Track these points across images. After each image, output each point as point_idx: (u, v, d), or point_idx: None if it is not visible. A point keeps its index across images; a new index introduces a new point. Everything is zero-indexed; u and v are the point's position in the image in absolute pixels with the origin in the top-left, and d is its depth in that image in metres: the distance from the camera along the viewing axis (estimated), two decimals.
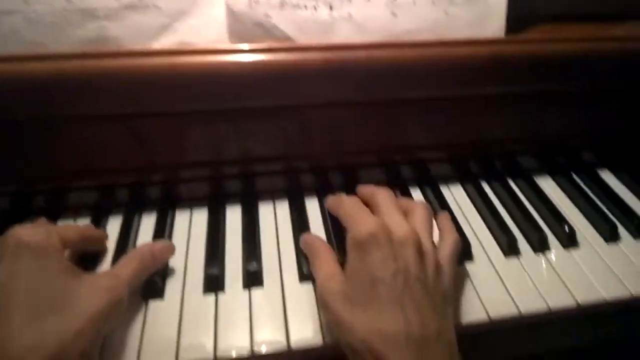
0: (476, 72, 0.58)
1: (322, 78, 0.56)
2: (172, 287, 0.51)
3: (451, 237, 0.49)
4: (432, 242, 0.46)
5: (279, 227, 0.59)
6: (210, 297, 0.49)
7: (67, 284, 0.39)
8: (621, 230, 0.59)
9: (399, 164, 0.66)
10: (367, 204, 0.50)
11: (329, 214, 0.57)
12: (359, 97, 0.59)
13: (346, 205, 0.49)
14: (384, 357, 0.37)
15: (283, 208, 0.62)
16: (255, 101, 0.56)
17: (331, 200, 0.54)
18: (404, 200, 0.52)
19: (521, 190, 0.66)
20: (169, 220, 0.59)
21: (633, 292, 0.51)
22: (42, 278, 0.39)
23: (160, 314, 0.48)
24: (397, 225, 0.44)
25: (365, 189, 0.53)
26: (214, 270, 0.51)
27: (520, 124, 0.64)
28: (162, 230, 0.57)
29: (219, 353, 0.44)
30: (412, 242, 0.43)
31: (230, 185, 0.63)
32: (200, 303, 0.49)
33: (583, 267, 0.54)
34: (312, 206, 0.62)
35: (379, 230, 0.42)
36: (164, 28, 0.55)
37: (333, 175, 0.65)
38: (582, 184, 0.67)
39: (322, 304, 0.44)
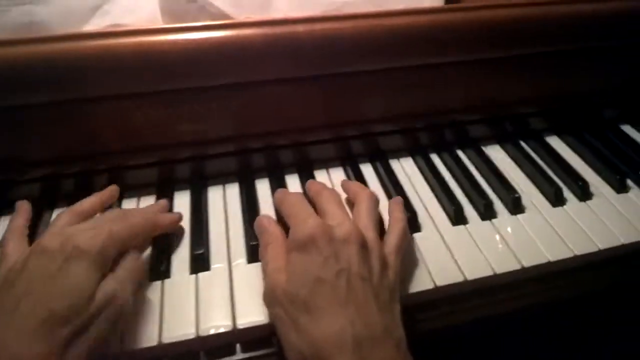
0: (417, 42, 0.58)
1: (263, 55, 0.55)
2: None
3: (398, 226, 0.48)
4: (377, 235, 0.46)
5: (228, 210, 0.58)
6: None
7: (88, 297, 0.39)
8: (567, 193, 0.60)
9: (349, 139, 0.65)
10: (312, 202, 0.50)
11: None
12: (302, 73, 0.58)
13: (289, 201, 0.49)
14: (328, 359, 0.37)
15: (233, 190, 0.61)
16: (194, 81, 0.55)
17: (277, 195, 0.53)
18: (351, 185, 0.52)
19: (470, 160, 0.66)
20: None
21: (577, 253, 0.52)
22: (74, 287, 0.39)
23: None
24: (340, 224, 0.43)
25: (311, 188, 0.53)
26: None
27: (465, 92, 0.65)
28: None
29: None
30: (355, 240, 0.42)
31: (179, 170, 0.62)
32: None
33: (529, 231, 0.55)
34: (263, 187, 0.62)
35: (320, 230, 0.42)
36: (95, 10, 0.53)
37: (284, 154, 0.64)
38: (529, 151, 0.67)
39: (268, 297, 0.43)
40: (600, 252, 0.53)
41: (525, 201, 0.59)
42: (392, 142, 0.67)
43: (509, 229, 0.55)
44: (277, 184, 0.61)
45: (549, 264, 0.51)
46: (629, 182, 0.62)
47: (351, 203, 0.53)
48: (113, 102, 0.55)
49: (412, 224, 0.55)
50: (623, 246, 0.54)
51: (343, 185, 0.58)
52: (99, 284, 0.40)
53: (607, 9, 0.64)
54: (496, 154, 0.68)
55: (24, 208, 0.53)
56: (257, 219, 0.51)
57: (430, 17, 0.57)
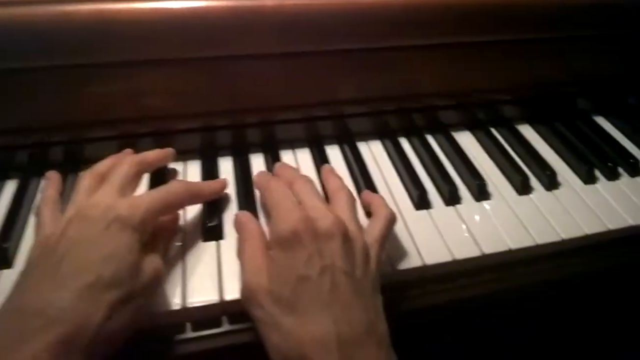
0: (388, 23, 0.57)
1: (231, 29, 0.54)
2: None
3: (383, 214, 0.47)
4: (359, 225, 0.44)
5: None
6: None
7: (132, 264, 0.39)
8: (534, 182, 0.60)
9: (317, 120, 0.64)
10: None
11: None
12: (269, 49, 0.56)
13: (273, 190, 0.47)
14: None
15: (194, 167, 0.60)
16: (157, 53, 0.53)
17: (259, 179, 0.52)
18: (330, 179, 0.51)
19: (439, 145, 0.65)
20: None
21: (538, 242, 0.52)
22: (119, 254, 0.39)
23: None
24: (322, 216, 0.42)
25: (284, 173, 0.51)
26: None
27: (436, 77, 0.63)
28: None
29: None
30: (339, 233, 0.41)
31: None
32: None
33: (492, 218, 0.54)
34: (226, 165, 0.60)
35: (303, 226, 0.41)
36: None
37: (252, 132, 0.63)
38: (500, 138, 0.67)
39: (248, 299, 0.41)
40: (563, 242, 0.52)
41: (491, 188, 0.58)
42: (360, 125, 0.65)
43: (472, 216, 0.54)
44: (241, 163, 0.59)
45: (510, 252, 0.51)
46: (597, 173, 0.62)
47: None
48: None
49: None
50: (587, 237, 0.53)
51: (323, 175, 0.55)
52: (145, 257, 0.41)
53: None
54: (466, 140, 0.67)
55: (54, 178, 0.53)
56: (236, 215, 0.49)
57: None
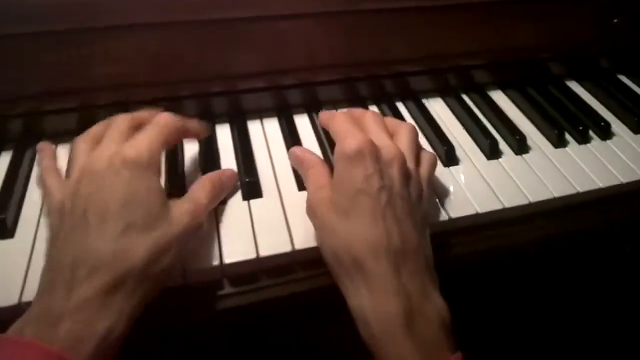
0: None
1: None
2: None
3: (430, 159, 0.48)
4: (417, 165, 0.46)
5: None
6: None
7: (160, 204, 0.40)
8: (503, 146, 0.59)
9: (285, 89, 0.62)
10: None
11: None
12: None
13: (338, 119, 0.48)
14: (362, 262, 0.38)
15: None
16: (104, 20, 0.52)
17: (323, 114, 0.52)
18: (390, 121, 0.51)
19: (408, 111, 0.65)
20: None
21: (506, 205, 0.51)
22: (141, 195, 0.39)
23: None
24: (385, 145, 0.44)
25: (354, 111, 0.52)
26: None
27: (408, 42, 0.63)
28: None
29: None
30: (398, 164, 0.43)
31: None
32: None
33: (460, 183, 0.53)
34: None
35: (367, 146, 0.42)
36: None
37: (216, 101, 0.61)
38: (470, 103, 0.66)
39: (310, 210, 0.44)
40: (531, 205, 0.52)
41: (460, 153, 0.57)
42: (328, 92, 0.64)
43: (440, 180, 0.53)
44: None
45: (477, 215, 0.50)
46: (568, 137, 0.61)
47: None
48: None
49: None
50: (555, 199, 0.53)
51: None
52: (176, 201, 0.42)
53: None
54: (437, 106, 0.66)
55: (47, 147, 0.53)
56: (290, 151, 0.52)
57: None
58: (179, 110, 0.58)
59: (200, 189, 0.45)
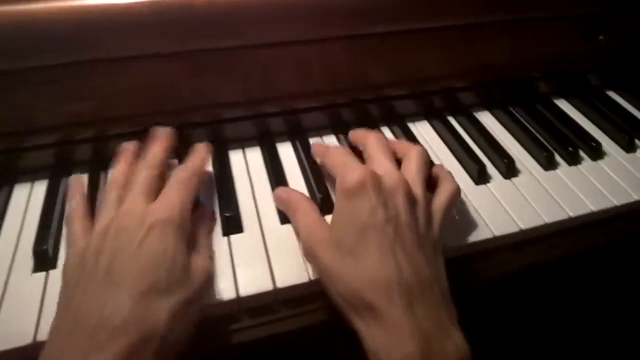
0: (341, 12, 0.55)
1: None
2: None
3: (450, 185, 0.47)
4: (425, 190, 0.44)
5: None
6: None
7: (182, 264, 0.39)
8: (491, 170, 0.58)
9: (266, 117, 0.61)
10: (356, 150, 0.50)
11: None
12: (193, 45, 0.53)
13: (333, 154, 0.47)
14: (375, 305, 0.36)
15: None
16: (73, 55, 0.50)
17: (317, 149, 0.51)
18: (399, 144, 0.50)
19: (394, 135, 0.63)
20: None
21: (496, 234, 0.49)
22: (168, 256, 0.38)
23: None
24: (387, 173, 0.42)
25: (356, 133, 0.52)
26: None
27: (391, 65, 0.61)
28: None
29: None
30: (402, 191, 0.41)
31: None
32: None
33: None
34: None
35: (368, 178, 0.41)
36: None
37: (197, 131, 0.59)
38: (457, 126, 0.64)
39: (309, 253, 0.42)
40: (522, 232, 0.50)
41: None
42: (312, 119, 0.62)
43: None
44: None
45: (468, 245, 0.49)
46: (558, 158, 0.60)
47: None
48: None
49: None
50: (546, 225, 0.51)
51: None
52: (192, 257, 0.41)
53: None
54: (423, 129, 0.64)
55: (78, 184, 0.51)
56: (274, 193, 0.51)
57: None
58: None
59: (208, 237, 0.46)
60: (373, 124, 0.63)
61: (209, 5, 0.51)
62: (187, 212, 0.42)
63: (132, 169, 0.46)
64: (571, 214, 0.52)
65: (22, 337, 0.39)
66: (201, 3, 0.50)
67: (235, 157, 0.59)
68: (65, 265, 0.41)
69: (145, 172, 0.45)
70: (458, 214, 0.51)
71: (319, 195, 0.51)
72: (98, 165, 0.56)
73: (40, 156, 0.55)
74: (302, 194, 0.49)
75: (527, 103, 0.68)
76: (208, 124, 0.59)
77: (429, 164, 0.47)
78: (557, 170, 0.58)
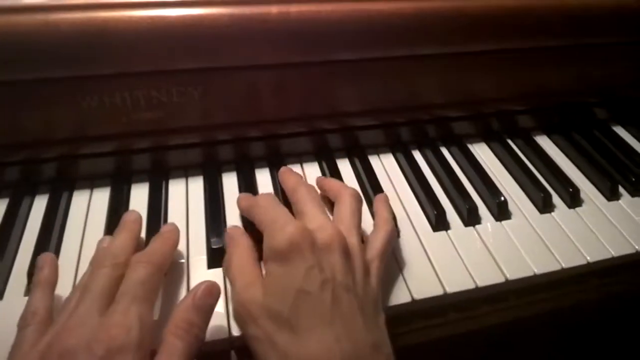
0: (399, 32, 0.53)
1: (229, 38, 0.50)
2: None
3: (384, 229, 0.45)
4: (360, 238, 0.42)
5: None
6: None
7: None
8: (555, 199, 0.57)
9: (323, 133, 0.60)
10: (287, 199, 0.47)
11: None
12: (274, 59, 0.53)
13: (261, 206, 0.44)
14: None
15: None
16: (151, 64, 0.49)
17: (243, 201, 0.48)
18: (332, 184, 0.48)
19: (454, 158, 0.63)
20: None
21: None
22: None
23: None
24: (320, 227, 0.40)
25: (287, 182, 0.49)
26: None
27: (450, 86, 0.60)
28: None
29: None
30: (338, 246, 0.39)
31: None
32: None
33: (514, 239, 0.51)
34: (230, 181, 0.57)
35: (301, 237, 0.38)
36: None
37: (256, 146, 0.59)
38: (517, 150, 0.64)
39: (241, 313, 0.39)
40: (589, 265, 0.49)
41: (511, 207, 0.55)
42: (371, 137, 0.62)
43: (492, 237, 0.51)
44: (245, 177, 0.56)
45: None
46: (620, 188, 0.59)
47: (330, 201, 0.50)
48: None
49: None
50: (613, 259, 0.50)
51: (320, 182, 0.53)
52: None
53: (597, 5, 0.60)
54: (481, 151, 0.64)
55: (49, 259, 0.42)
56: (227, 230, 0.47)
57: (417, 4, 0.52)
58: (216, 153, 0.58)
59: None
60: (432, 144, 0.63)
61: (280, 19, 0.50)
62: (148, 324, 0.35)
63: (97, 259, 0.40)
64: (638, 248, 0.51)
65: None
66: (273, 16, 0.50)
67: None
68: (18, 335, 0.36)
69: (106, 272, 0.38)
70: (522, 243, 0.50)
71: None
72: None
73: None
74: (245, 235, 0.45)
75: (584, 128, 0.67)
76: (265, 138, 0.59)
77: (361, 207, 0.46)
78: (620, 201, 0.57)
